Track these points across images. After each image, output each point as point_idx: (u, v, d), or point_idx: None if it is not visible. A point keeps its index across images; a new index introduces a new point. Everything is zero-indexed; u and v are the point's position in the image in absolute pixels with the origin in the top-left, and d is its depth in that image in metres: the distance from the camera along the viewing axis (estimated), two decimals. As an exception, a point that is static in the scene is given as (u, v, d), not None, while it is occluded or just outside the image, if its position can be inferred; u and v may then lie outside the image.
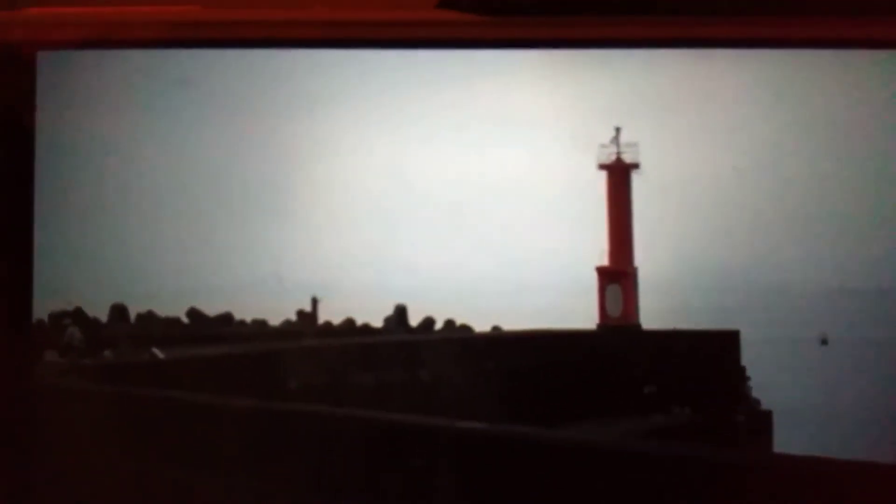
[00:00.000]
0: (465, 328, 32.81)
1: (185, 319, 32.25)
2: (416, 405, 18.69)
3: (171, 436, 8.70)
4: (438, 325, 34.54)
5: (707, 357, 32.07)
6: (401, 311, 35.95)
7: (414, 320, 35.09)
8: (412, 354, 27.32)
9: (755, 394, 32.95)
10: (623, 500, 5.64)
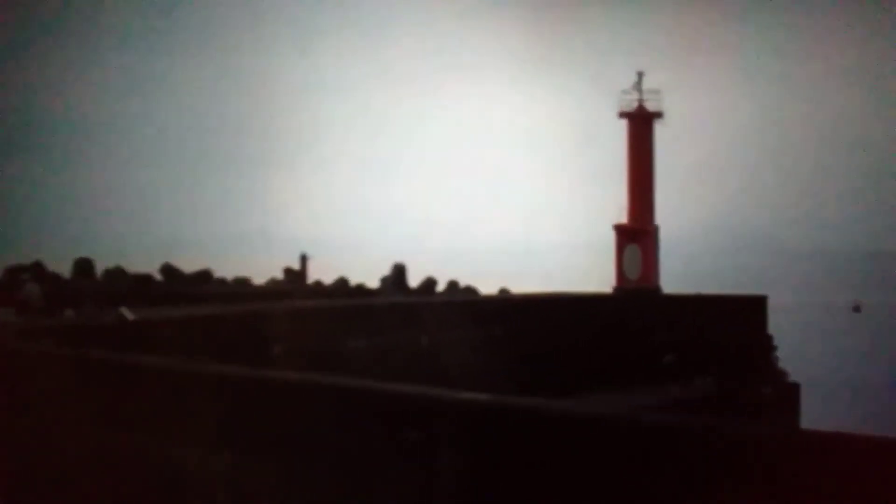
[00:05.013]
0: (470, 290, 32.58)
1: (158, 276, 32.11)
2: (416, 374, 18.60)
3: (140, 405, 8.54)
4: (440, 287, 34.32)
5: (732, 324, 31.77)
6: (399, 271, 35.77)
7: (414, 280, 34.72)
8: (411, 318, 27.09)
9: (782, 365, 32.57)
10: (640, 478, 5.53)
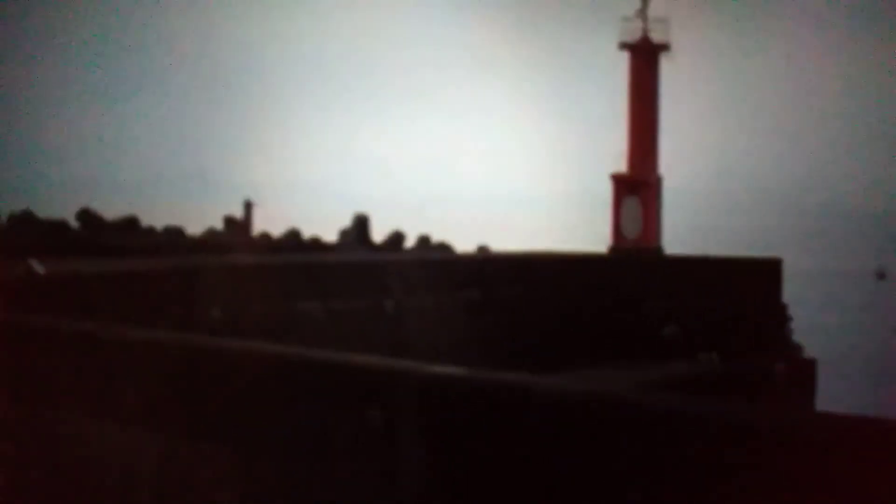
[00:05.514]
0: (444, 247, 32.65)
1: (74, 223, 31.94)
2: (379, 343, 18.59)
3: (53, 377, 8.45)
4: (409, 242, 34.36)
5: (741, 291, 31.91)
6: (361, 223, 35.76)
7: (378, 234, 34.84)
8: (374, 278, 27.18)
9: (797, 338, 32.80)
10: (635, 466, 5.55)
